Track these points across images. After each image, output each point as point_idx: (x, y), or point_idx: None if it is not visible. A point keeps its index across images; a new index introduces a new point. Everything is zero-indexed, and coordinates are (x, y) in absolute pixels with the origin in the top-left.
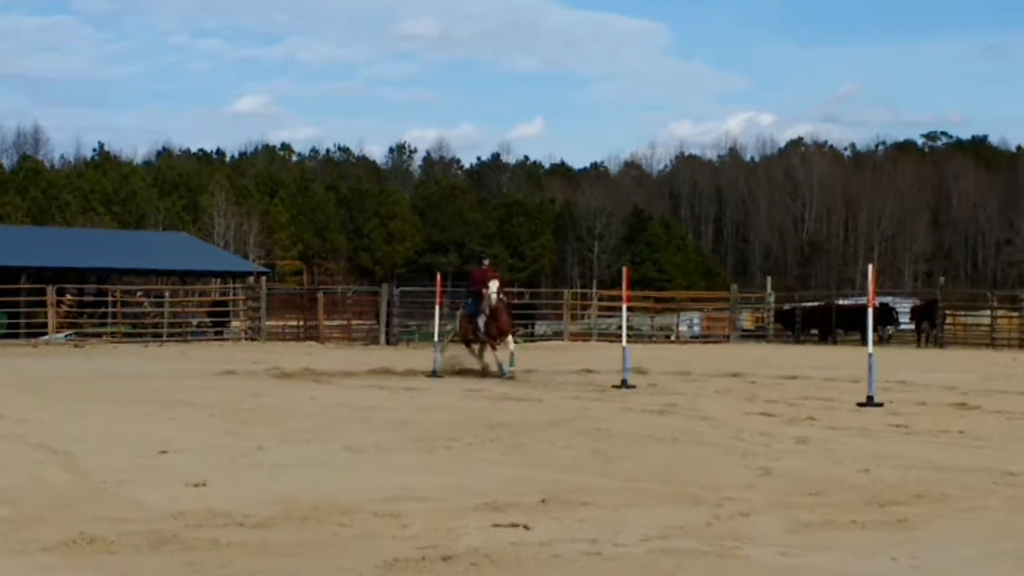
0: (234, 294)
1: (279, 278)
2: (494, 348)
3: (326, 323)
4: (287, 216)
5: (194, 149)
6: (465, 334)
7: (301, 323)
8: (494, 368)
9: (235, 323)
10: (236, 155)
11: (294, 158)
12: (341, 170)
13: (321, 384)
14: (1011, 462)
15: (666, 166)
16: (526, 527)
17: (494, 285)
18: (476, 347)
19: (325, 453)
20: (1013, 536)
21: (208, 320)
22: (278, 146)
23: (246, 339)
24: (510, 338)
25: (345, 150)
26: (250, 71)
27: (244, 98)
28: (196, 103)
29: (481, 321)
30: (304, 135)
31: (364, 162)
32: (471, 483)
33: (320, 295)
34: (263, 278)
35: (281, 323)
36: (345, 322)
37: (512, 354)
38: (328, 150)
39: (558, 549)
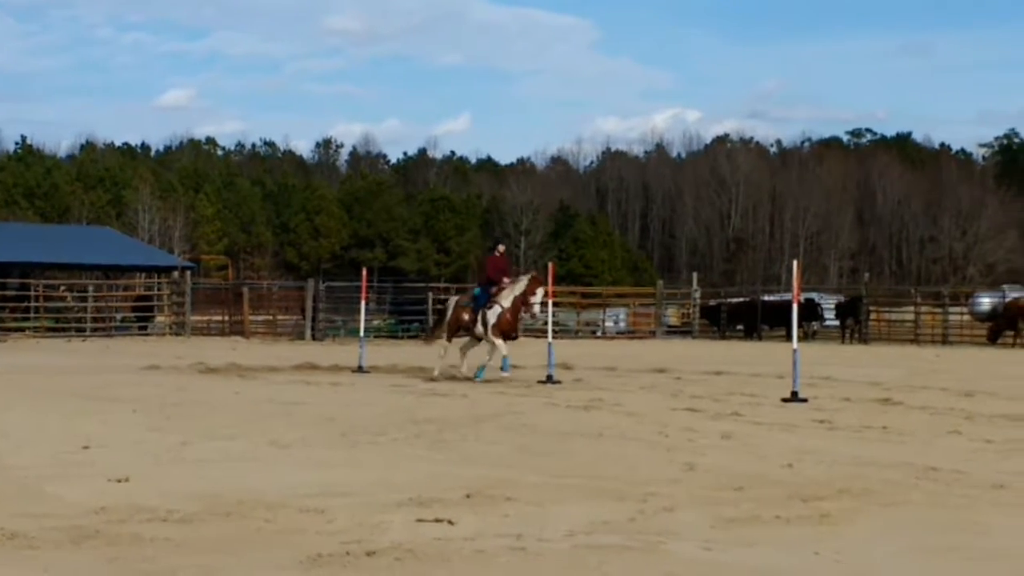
0: (159, 289)
1: (204, 273)
2: (497, 342)
3: (251, 318)
4: (212, 211)
5: (119, 143)
6: (456, 327)
7: (226, 318)
8: (464, 371)
9: (160, 318)
10: (161, 149)
11: (219, 152)
12: (267, 165)
13: (246, 379)
14: (933, 457)
15: (593, 162)
16: (450, 522)
17: (540, 292)
18: (461, 343)
19: (249, 448)
20: (935, 530)
21: (132, 315)
22: (203, 140)
23: (171, 334)
24: (500, 341)
25: (271, 145)
26: (176, 65)
27: (169, 92)
28: (121, 97)
29: (493, 314)
30: (230, 129)
31: (290, 157)
32: (396, 478)
33: (245, 290)
34: (188, 273)
35: (206, 318)
36: (270, 317)
37: (497, 356)
38: (254, 144)
39: (482, 544)
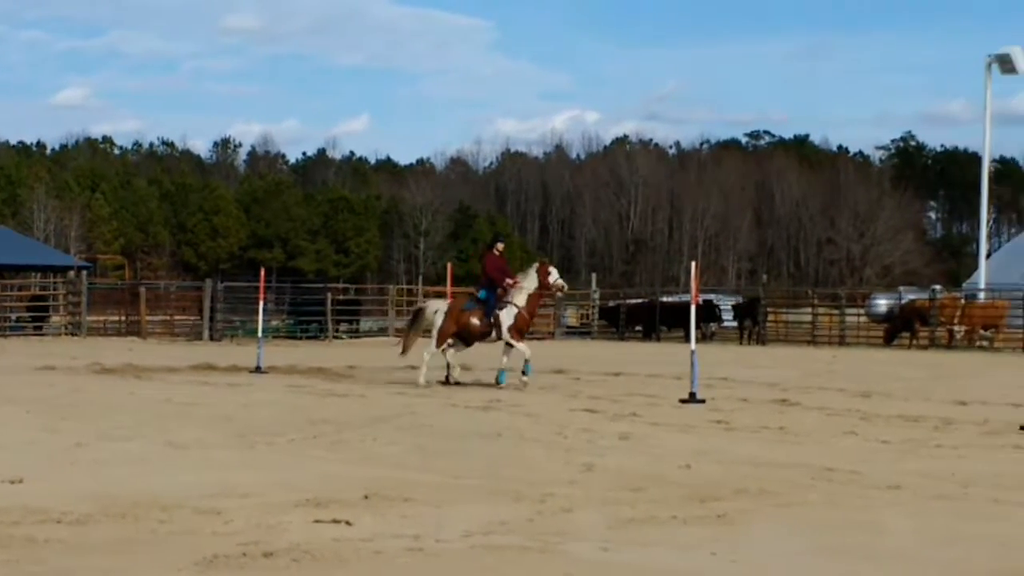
0: (54, 289)
1: (101, 273)
2: (517, 343)
3: (149, 318)
4: (109, 210)
5: (13, 141)
6: (451, 333)
7: (123, 318)
8: (457, 376)
9: (55, 318)
10: (57, 148)
11: (116, 151)
12: (164, 164)
13: (143, 380)
14: (830, 457)
15: (492, 163)
16: (348, 523)
17: (555, 272)
18: (453, 349)
19: (146, 449)
20: (831, 530)
21: (27, 315)
22: (100, 139)
23: (66, 334)
24: (522, 343)
25: (169, 144)
26: (72, 63)
27: (65, 90)
28: (16, 95)
29: (509, 315)
30: (127, 128)
31: (188, 156)
32: (293, 479)
33: (142, 290)
34: (84, 273)
35: (102, 318)
36: (168, 318)
37: (516, 357)
38: (151, 144)
39: (380, 545)
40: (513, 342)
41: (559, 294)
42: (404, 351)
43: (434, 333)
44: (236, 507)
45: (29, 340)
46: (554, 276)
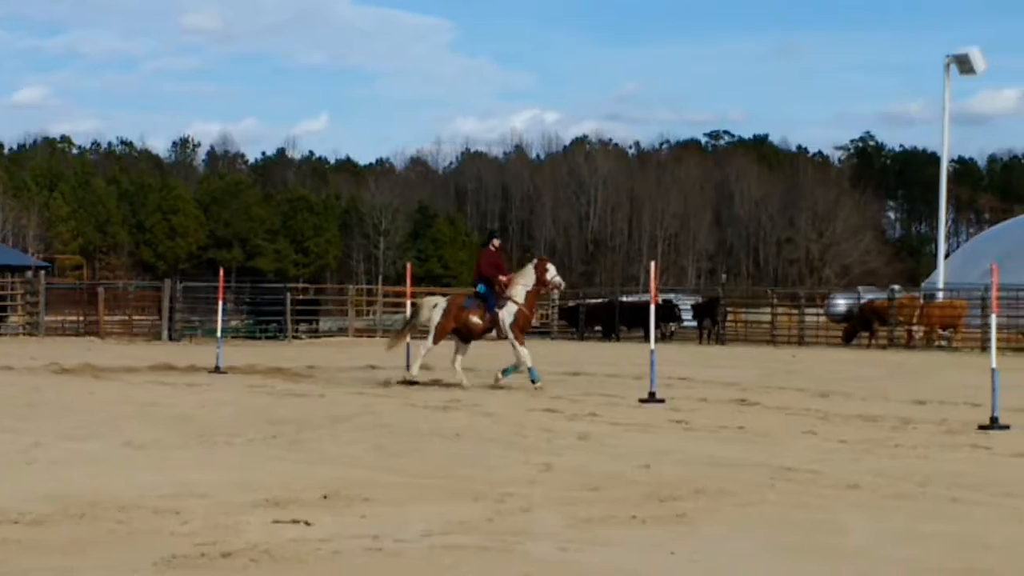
0: (12, 288)
1: (59, 273)
2: (518, 345)
3: (107, 318)
4: (67, 210)
5: None
6: (447, 329)
7: (81, 318)
8: (460, 377)
9: (13, 318)
10: (15, 147)
11: (75, 151)
12: (123, 163)
13: (101, 380)
14: (789, 457)
15: (452, 163)
16: (307, 523)
17: (552, 268)
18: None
19: (104, 449)
20: (790, 530)
21: None
22: (58, 139)
23: (24, 334)
24: (524, 349)
25: (127, 144)
26: (31, 62)
27: (24, 89)
28: None
29: (509, 313)
30: (85, 128)
31: (147, 156)
32: (252, 479)
33: (101, 290)
34: (42, 272)
35: (61, 318)
36: (127, 317)
37: (519, 361)
38: (110, 143)
39: (339, 545)
40: (515, 344)
41: (555, 292)
42: (390, 348)
43: (432, 329)
44: (194, 507)
45: None
46: (551, 273)
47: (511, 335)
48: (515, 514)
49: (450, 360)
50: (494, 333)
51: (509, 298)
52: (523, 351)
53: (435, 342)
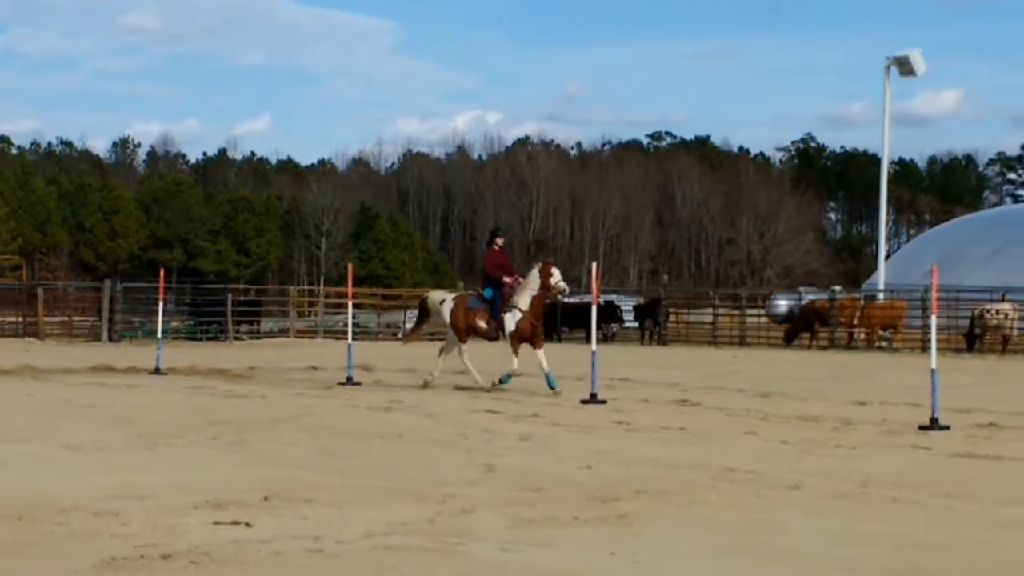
0: None
1: None
2: (515, 356)
3: (46, 319)
4: (6, 210)
5: None
6: (463, 324)
7: (20, 319)
8: (478, 379)
9: None
10: None
11: (14, 151)
12: (63, 164)
13: (40, 381)
14: (730, 458)
15: (394, 163)
16: (248, 524)
17: (556, 273)
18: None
19: (43, 451)
20: (731, 530)
21: None
22: None
23: None
24: (517, 360)
25: (67, 144)
26: None
27: None
28: None
29: (511, 319)
30: (25, 128)
31: (87, 156)
32: (193, 481)
33: (40, 291)
34: None
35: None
36: (66, 318)
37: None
38: (50, 143)
39: (280, 546)
40: (513, 350)
41: (560, 297)
42: (406, 341)
43: (451, 329)
44: (134, 509)
45: None
46: (556, 277)
47: (509, 341)
48: (457, 515)
49: (437, 351)
50: (499, 337)
51: (514, 305)
52: (516, 362)
53: (464, 340)
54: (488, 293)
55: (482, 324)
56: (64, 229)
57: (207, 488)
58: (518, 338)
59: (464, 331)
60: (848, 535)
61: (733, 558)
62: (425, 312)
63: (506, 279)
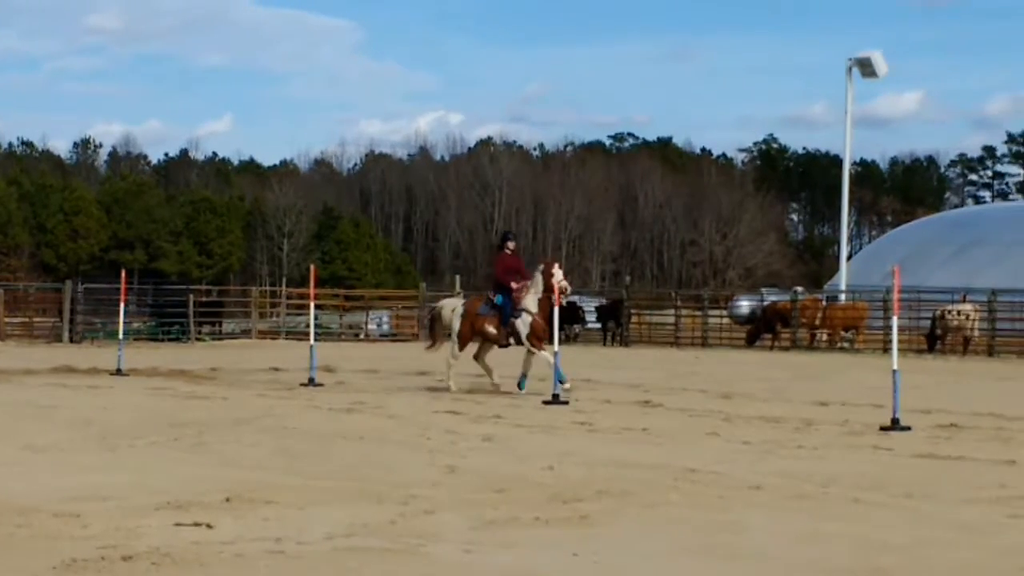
0: None
1: None
2: (538, 352)
3: (7, 320)
4: None
5: None
6: (469, 336)
7: None
8: (451, 383)
9: None
10: None
11: None
12: (24, 164)
13: (0, 382)
14: (692, 458)
15: (356, 164)
16: (209, 526)
17: (558, 272)
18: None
19: (3, 453)
20: (693, 530)
21: None
22: None
23: None
24: (545, 352)
25: (28, 144)
26: None
27: None
28: None
29: (524, 323)
30: None
31: (48, 157)
32: (154, 482)
33: (0, 292)
34: None
35: None
36: (27, 319)
37: (539, 363)
38: (11, 144)
39: (241, 548)
40: (534, 350)
41: (564, 296)
42: (432, 347)
43: (453, 337)
44: (95, 511)
45: None
46: (557, 276)
47: (528, 345)
48: (419, 516)
49: (458, 356)
50: (512, 343)
51: (524, 309)
52: (543, 353)
53: (461, 349)
54: (499, 299)
55: (491, 330)
56: (25, 230)
57: (168, 489)
58: (536, 338)
59: (469, 341)
60: (810, 535)
61: (695, 558)
62: (440, 322)
63: (513, 284)
